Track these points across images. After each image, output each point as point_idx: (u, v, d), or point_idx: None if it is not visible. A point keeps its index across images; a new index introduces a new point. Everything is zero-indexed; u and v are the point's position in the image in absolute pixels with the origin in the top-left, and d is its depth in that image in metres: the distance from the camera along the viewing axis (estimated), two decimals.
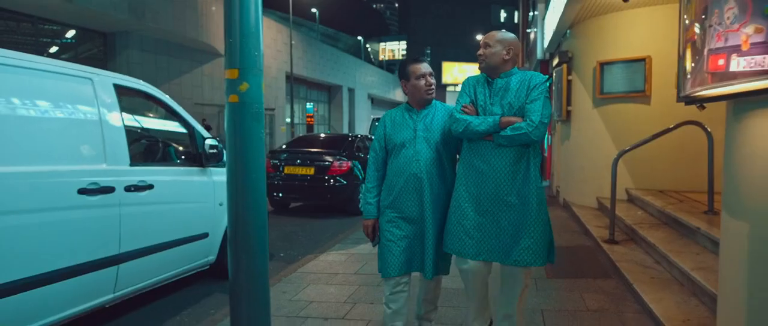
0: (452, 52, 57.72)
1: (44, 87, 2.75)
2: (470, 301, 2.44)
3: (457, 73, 53.41)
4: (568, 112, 7.26)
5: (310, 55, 32.74)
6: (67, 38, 18.04)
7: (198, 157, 3.92)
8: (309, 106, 30.47)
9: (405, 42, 72.90)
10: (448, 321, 3.11)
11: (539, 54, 9.67)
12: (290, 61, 27.41)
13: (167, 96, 3.76)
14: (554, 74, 7.85)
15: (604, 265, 4.18)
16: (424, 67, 2.46)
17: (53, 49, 17.50)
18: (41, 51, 16.60)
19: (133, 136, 3.64)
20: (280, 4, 35.03)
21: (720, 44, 1.59)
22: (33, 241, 2.51)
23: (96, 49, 18.70)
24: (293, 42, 28.00)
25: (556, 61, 7.85)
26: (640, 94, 5.91)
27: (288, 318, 3.25)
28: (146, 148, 3.73)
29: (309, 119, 29.46)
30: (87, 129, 2.93)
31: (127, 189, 3.10)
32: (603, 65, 6.23)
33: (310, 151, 8.04)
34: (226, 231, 4.15)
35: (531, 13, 13.05)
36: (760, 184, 1.66)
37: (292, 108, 27.20)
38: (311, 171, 7.63)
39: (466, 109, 2.33)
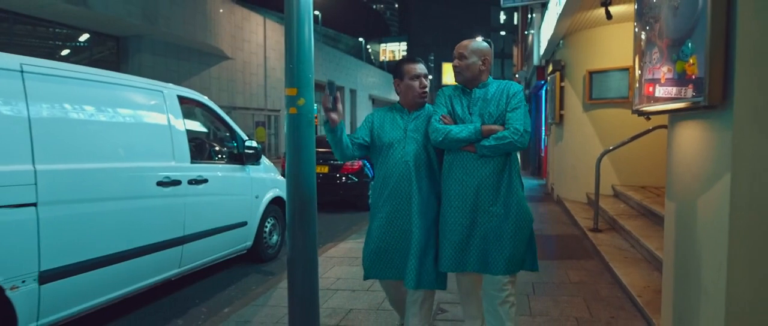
0: (452, 53, 58.16)
1: (129, 98, 3.41)
2: (465, 306, 2.50)
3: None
4: (561, 116, 7.92)
5: (315, 57, 33.39)
6: (80, 42, 18.68)
7: (239, 157, 4.58)
8: (315, 106, 30.90)
9: (405, 43, 73.48)
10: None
11: (536, 60, 10.33)
12: None
13: (215, 104, 4.42)
14: (548, 80, 8.51)
15: (587, 249, 4.84)
16: (420, 68, 2.42)
17: (65, 52, 18.15)
18: (54, 53, 17.24)
19: (190, 137, 4.30)
20: (280, 4, 35.58)
21: (649, 76, 2.26)
22: (124, 223, 3.16)
23: (108, 52, 19.36)
24: None
25: (550, 68, 8.51)
26: (624, 100, 6.57)
27: (322, 290, 3.90)
28: (199, 148, 4.37)
29: (314, 120, 29.93)
30: (159, 132, 3.59)
31: (190, 182, 3.76)
32: (591, 73, 6.89)
33: (325, 151, 8.70)
34: (260, 220, 4.82)
35: (530, 16, 13.67)
36: (680, 172, 2.31)
37: None
38: (325, 169, 8.30)
39: (445, 119, 2.29)
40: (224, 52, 22.88)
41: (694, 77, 1.87)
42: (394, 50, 74.84)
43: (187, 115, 4.76)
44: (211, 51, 22.15)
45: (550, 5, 8.02)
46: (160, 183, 3.44)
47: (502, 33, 56.04)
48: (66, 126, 2.82)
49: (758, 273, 1.80)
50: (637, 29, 2.51)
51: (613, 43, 6.66)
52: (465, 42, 2.38)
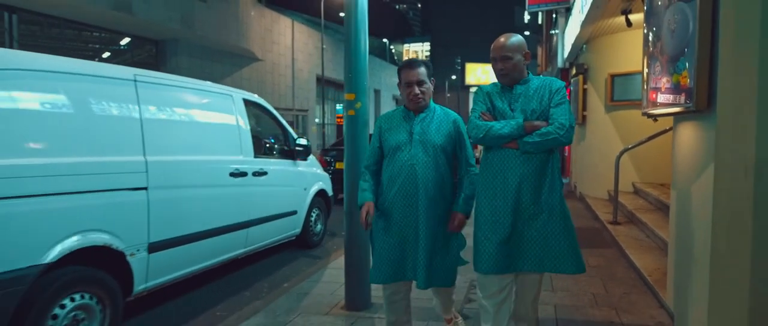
0: (476, 53, 58.21)
1: (208, 101, 4.01)
2: (490, 311, 2.30)
3: (480, 74, 54.07)
4: (584, 117, 8.29)
5: (339, 57, 34.12)
6: (121, 45, 19.72)
7: (291, 153, 5.15)
8: (338, 107, 31.68)
9: (428, 43, 73.68)
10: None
11: (560, 63, 10.68)
12: (321, 64, 28.80)
13: (272, 107, 5.00)
14: (572, 82, 8.89)
15: (606, 239, 5.26)
16: (413, 75, 2.35)
17: (106, 55, 19.19)
18: (96, 55, 18.24)
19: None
20: (308, 7, 36.47)
21: (653, 85, 2.71)
22: (206, 207, 3.75)
23: (147, 54, 20.37)
24: (324, 46, 29.39)
25: (573, 71, 8.88)
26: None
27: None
28: (258, 144, 4.97)
29: (338, 120, 30.71)
30: (230, 130, 4.19)
31: (253, 174, 4.34)
32: (613, 77, 7.27)
33: None
34: (307, 210, 5.39)
35: (554, 17, 13.96)
36: (680, 164, 2.76)
37: (323, 109, 28.49)
38: None
39: (485, 116, 2.23)
40: (255, 54, 23.74)
41: (686, 87, 2.33)
42: (417, 50, 75.01)
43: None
44: (242, 53, 23.02)
45: (573, 11, 8.40)
46: (231, 174, 4.03)
47: (527, 33, 55.77)
48: (166, 124, 3.43)
49: (736, 247, 2.25)
50: (644, 46, 2.97)
51: (634, 48, 7.02)
52: (502, 40, 2.22)
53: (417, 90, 2.34)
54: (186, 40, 19.80)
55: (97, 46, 18.52)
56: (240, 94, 4.48)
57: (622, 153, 5.75)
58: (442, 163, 2.36)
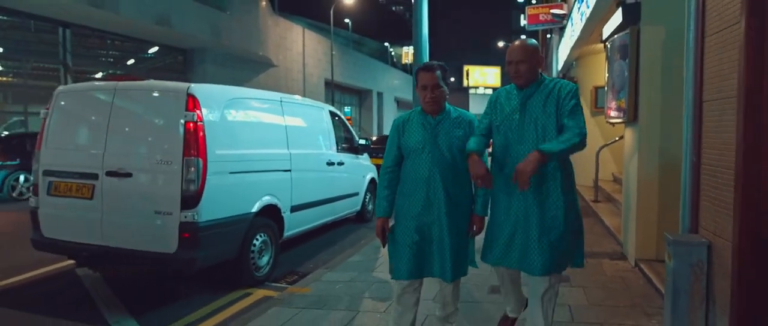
0: (474, 56, 59.80)
1: (313, 113, 5.80)
2: (506, 297, 2.65)
3: (478, 76, 55.83)
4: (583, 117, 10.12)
5: (345, 62, 35.85)
6: (149, 53, 21.40)
7: (355, 149, 6.94)
8: (347, 109, 33.28)
9: (427, 46, 74.89)
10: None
11: (554, 73, 12.50)
12: (331, 69, 30.55)
13: (343, 116, 6.79)
14: None
15: (588, 212, 7.07)
16: (429, 79, 2.37)
17: (130, 61, 20.85)
18: (123, 61, 19.84)
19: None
20: (315, 13, 38.20)
21: (609, 105, 4.53)
22: (316, 185, 5.52)
23: (175, 61, 22.04)
24: (333, 52, 31.15)
25: None
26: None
27: None
28: (337, 142, 6.74)
29: (349, 121, 32.25)
30: (324, 132, 5.96)
31: (337, 163, 6.12)
32: (597, 88, 9.09)
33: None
34: (364, 193, 7.16)
35: (549, 36, 15.76)
36: (625, 152, 4.54)
37: None
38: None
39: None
40: (271, 60, 25.48)
41: (623, 108, 4.14)
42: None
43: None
44: (260, 60, 24.77)
45: (565, 32, 10.20)
46: (327, 163, 5.81)
47: (523, 37, 57.62)
48: (296, 128, 5.20)
49: (649, 199, 4.04)
50: (605, 82, 4.77)
51: None
52: (517, 46, 2.33)
53: (432, 93, 2.37)
54: (212, 49, 21.53)
55: (129, 54, 20.19)
56: (327, 107, 6.27)
57: (600, 148, 7.56)
58: (459, 164, 2.40)
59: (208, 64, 21.60)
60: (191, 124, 3.67)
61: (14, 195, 9.35)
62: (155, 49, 20.81)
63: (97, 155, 3.86)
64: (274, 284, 4.47)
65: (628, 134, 4.43)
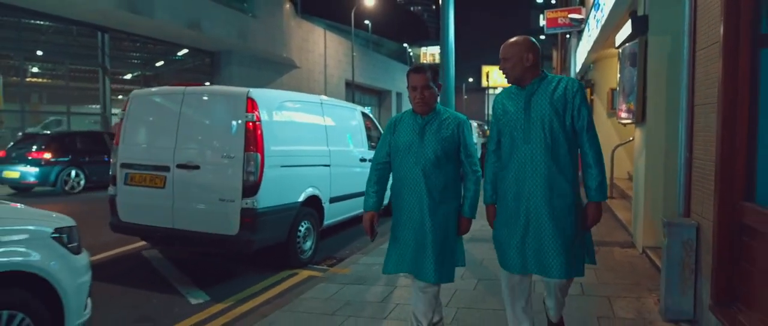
0: (493, 56, 59.56)
1: (348, 113, 6.36)
2: (511, 307, 2.47)
3: (496, 76, 55.94)
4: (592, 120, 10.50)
5: (365, 63, 36.47)
6: (178, 56, 22.27)
7: None
8: (367, 109, 33.57)
9: None
10: None
11: (572, 74, 12.86)
12: (351, 70, 31.17)
13: (373, 116, 7.33)
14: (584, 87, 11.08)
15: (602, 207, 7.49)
16: (417, 80, 2.43)
17: (159, 63, 21.75)
18: (154, 62, 20.73)
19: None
20: (336, 14, 38.91)
21: (620, 107, 4.98)
22: (350, 179, 6.08)
23: (202, 63, 22.88)
24: (353, 53, 31.78)
25: (584, 84, 11.09)
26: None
27: None
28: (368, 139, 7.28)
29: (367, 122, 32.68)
30: (359, 131, 6.51)
31: (369, 160, 6.66)
32: (612, 90, 9.47)
33: None
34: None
35: (568, 35, 16.05)
36: (635, 150, 4.98)
37: None
38: None
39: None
40: (294, 62, 26.20)
41: (633, 110, 4.59)
42: (434, 53, 76.54)
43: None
44: (283, 61, 25.51)
45: (583, 36, 10.59)
46: (360, 159, 6.36)
47: (542, 37, 57.62)
48: (334, 127, 5.76)
49: (655, 192, 4.48)
50: (618, 86, 5.22)
51: None
52: (506, 44, 2.37)
53: (421, 93, 2.43)
54: (238, 52, 22.32)
55: (160, 56, 21.07)
56: (359, 108, 6.83)
57: (615, 148, 7.97)
58: (445, 164, 2.44)
59: (234, 66, 22.38)
60: (251, 124, 4.25)
61: (66, 188, 10.13)
62: (184, 51, 21.68)
63: (169, 150, 4.47)
64: (316, 266, 5.03)
65: (637, 134, 4.87)
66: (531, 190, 2.29)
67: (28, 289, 2.52)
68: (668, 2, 4.09)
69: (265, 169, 4.28)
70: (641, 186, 4.71)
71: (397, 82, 42.81)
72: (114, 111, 17.90)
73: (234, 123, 4.31)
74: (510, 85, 2.45)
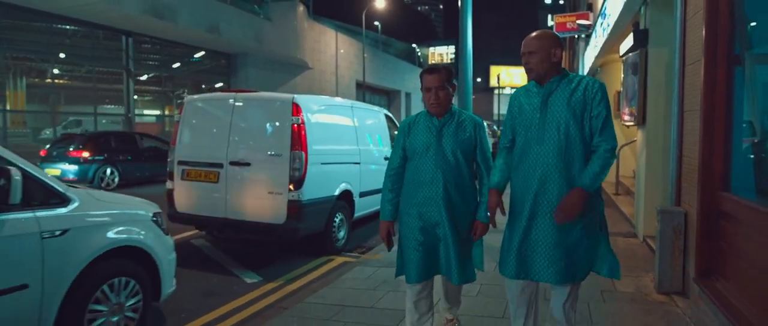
0: (500, 56, 59.98)
1: (372, 115, 6.94)
2: (516, 317, 2.41)
3: (504, 76, 56.29)
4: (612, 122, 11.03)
5: (374, 63, 37.01)
6: (195, 58, 22.95)
7: None
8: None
9: (453, 46, 75.52)
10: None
11: None
12: (362, 71, 31.77)
13: (393, 116, 7.92)
14: None
15: (608, 202, 8.01)
16: (432, 81, 2.40)
17: (176, 65, 22.42)
18: (170, 63, 21.39)
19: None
20: (347, 16, 39.45)
21: (623, 110, 5.52)
22: (376, 175, 6.63)
23: (216, 64, 23.54)
24: (364, 55, 32.38)
25: None
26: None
27: None
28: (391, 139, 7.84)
29: None
30: (383, 132, 7.09)
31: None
32: (618, 93, 9.97)
33: None
34: None
35: (576, 38, 16.50)
36: (637, 149, 5.51)
37: None
38: None
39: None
40: (307, 63, 26.82)
41: (634, 113, 5.14)
42: (442, 53, 76.77)
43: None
44: (297, 63, 26.14)
45: (591, 41, 11.09)
46: (384, 158, 6.94)
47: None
48: (363, 128, 6.34)
49: (653, 188, 5.02)
50: (620, 90, 5.76)
51: None
52: (530, 37, 2.26)
53: (435, 94, 2.40)
54: (253, 54, 22.99)
55: (178, 58, 21.76)
56: (383, 110, 7.42)
57: (620, 148, 8.47)
58: (462, 166, 2.43)
59: (250, 68, 23.04)
60: (296, 126, 4.85)
61: (102, 185, 10.80)
62: (201, 53, 22.35)
63: (222, 149, 5.08)
64: (348, 253, 5.62)
65: (639, 135, 5.41)
66: (539, 193, 2.19)
67: (136, 262, 3.13)
68: (666, 19, 4.63)
69: (308, 166, 4.87)
70: (642, 181, 5.25)
71: (406, 82, 43.30)
72: (136, 112, 18.65)
73: (281, 125, 4.91)
74: (529, 81, 2.32)
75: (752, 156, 3.05)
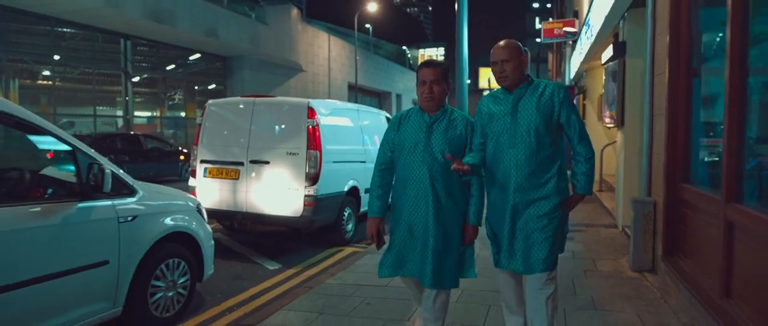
0: (488, 59, 60.49)
1: (376, 117, 7.48)
2: (506, 309, 2.53)
3: (493, 78, 57.00)
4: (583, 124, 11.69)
5: (366, 65, 37.48)
6: (190, 60, 23.25)
7: None
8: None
9: (443, 48, 76.34)
10: None
11: (567, 81, 14.02)
12: (355, 73, 32.25)
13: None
14: (576, 98, 12.25)
15: (592, 198, 8.64)
16: (429, 74, 2.38)
17: (170, 67, 22.69)
18: (164, 65, 21.65)
19: None
20: (339, 18, 39.93)
21: (604, 113, 6.12)
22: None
23: (211, 67, 23.85)
24: (350, 55, 32.88)
25: (577, 90, 12.24)
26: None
27: None
28: None
29: None
30: (382, 132, 7.62)
31: None
32: (602, 96, 10.62)
33: None
34: None
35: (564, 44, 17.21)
36: (617, 149, 6.11)
37: None
38: None
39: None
40: (301, 66, 27.26)
41: (614, 116, 5.73)
42: (432, 55, 77.51)
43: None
44: (291, 65, 26.56)
45: (577, 47, 11.74)
46: None
47: (538, 39, 58.78)
48: (367, 128, 6.87)
49: (631, 182, 5.61)
50: (603, 95, 6.36)
51: None
52: (501, 45, 2.34)
53: (430, 88, 2.37)
54: (249, 57, 23.37)
55: (176, 60, 22.04)
56: (384, 113, 7.96)
57: (603, 147, 9.12)
58: (451, 165, 2.33)
59: (245, 70, 23.42)
60: (311, 128, 5.37)
61: None
62: (197, 56, 22.64)
63: (243, 148, 5.57)
64: (356, 244, 6.14)
65: (619, 136, 6.01)
66: (516, 193, 2.32)
67: (184, 246, 3.63)
68: (641, 33, 5.23)
69: (322, 164, 5.38)
70: (621, 177, 5.84)
71: (397, 83, 43.84)
72: (135, 113, 18.94)
73: (298, 126, 5.42)
74: (498, 88, 2.43)
75: (707, 153, 3.64)
